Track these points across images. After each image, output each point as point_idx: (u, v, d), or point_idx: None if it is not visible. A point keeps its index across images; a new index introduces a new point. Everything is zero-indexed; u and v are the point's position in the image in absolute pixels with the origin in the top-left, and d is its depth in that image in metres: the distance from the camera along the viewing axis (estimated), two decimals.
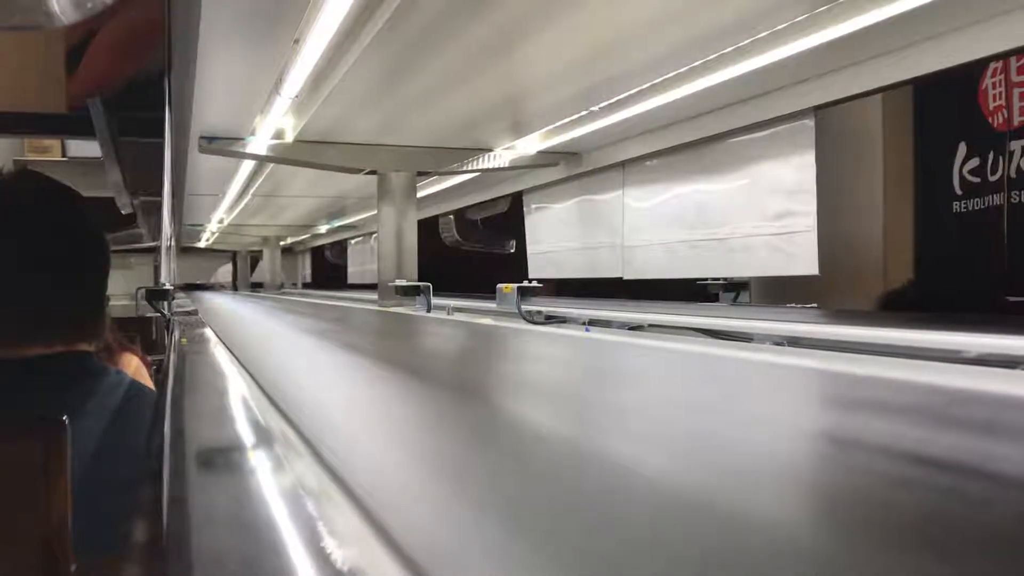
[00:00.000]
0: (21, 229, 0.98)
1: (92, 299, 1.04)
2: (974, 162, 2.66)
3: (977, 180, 2.64)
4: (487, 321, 1.89)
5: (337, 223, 5.79)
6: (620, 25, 1.71)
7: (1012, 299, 2.31)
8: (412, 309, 2.42)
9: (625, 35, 1.76)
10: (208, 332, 1.32)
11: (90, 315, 1.03)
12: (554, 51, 1.89)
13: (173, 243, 6.08)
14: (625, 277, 2.92)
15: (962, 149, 2.69)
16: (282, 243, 7.20)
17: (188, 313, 2.21)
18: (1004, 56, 1.61)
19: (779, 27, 1.67)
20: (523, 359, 1.12)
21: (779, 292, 2.75)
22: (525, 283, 2.24)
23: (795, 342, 1.34)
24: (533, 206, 3.76)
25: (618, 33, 1.75)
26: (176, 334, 1.33)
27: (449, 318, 2.07)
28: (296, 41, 1.79)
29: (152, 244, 5.93)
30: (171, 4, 1.53)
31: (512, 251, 4.91)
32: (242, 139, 2.70)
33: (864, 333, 1.20)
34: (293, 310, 2.51)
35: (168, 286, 2.35)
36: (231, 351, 0.97)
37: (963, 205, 2.69)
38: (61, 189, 1.05)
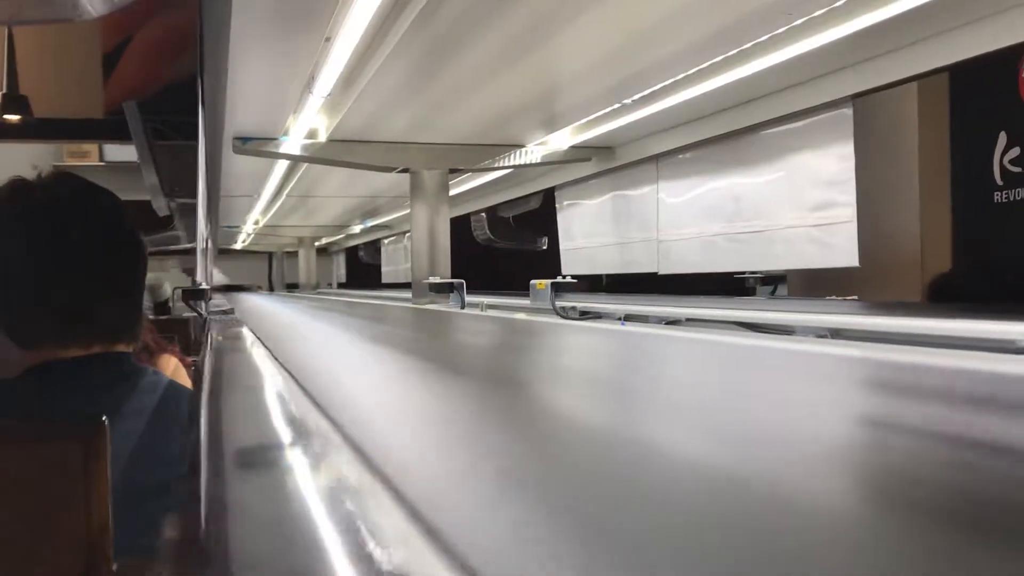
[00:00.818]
0: (60, 231, 0.99)
1: (129, 301, 1.05)
2: (1015, 151, 2.60)
3: (1018, 169, 2.59)
4: (522, 316, 1.88)
5: (371, 223, 5.82)
6: (652, 15, 1.68)
7: None
8: (446, 306, 2.41)
9: (658, 25, 1.73)
10: (246, 333, 1.32)
11: (127, 316, 1.03)
12: (585, 44, 1.88)
13: (209, 244, 6.14)
14: (660, 272, 2.89)
15: (1002, 139, 2.63)
16: (316, 244, 7.26)
17: (224, 312, 2.22)
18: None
19: (816, 13, 1.64)
20: (575, 353, 1.11)
21: (816, 284, 2.71)
22: (559, 279, 2.22)
23: (839, 334, 1.31)
24: (565, 202, 3.74)
25: (650, 23, 1.73)
26: (213, 335, 1.34)
27: (485, 314, 2.06)
28: (327, 39, 1.79)
29: (189, 246, 6.00)
30: (203, 7, 1.53)
31: (544, 248, 4.89)
32: (275, 139, 2.71)
33: (915, 324, 1.16)
34: (334, 309, 2.51)
35: (205, 286, 2.37)
36: (282, 364, 0.97)
37: (1004, 195, 2.63)
38: (98, 191, 1.06)
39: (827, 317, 1.35)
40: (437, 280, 2.61)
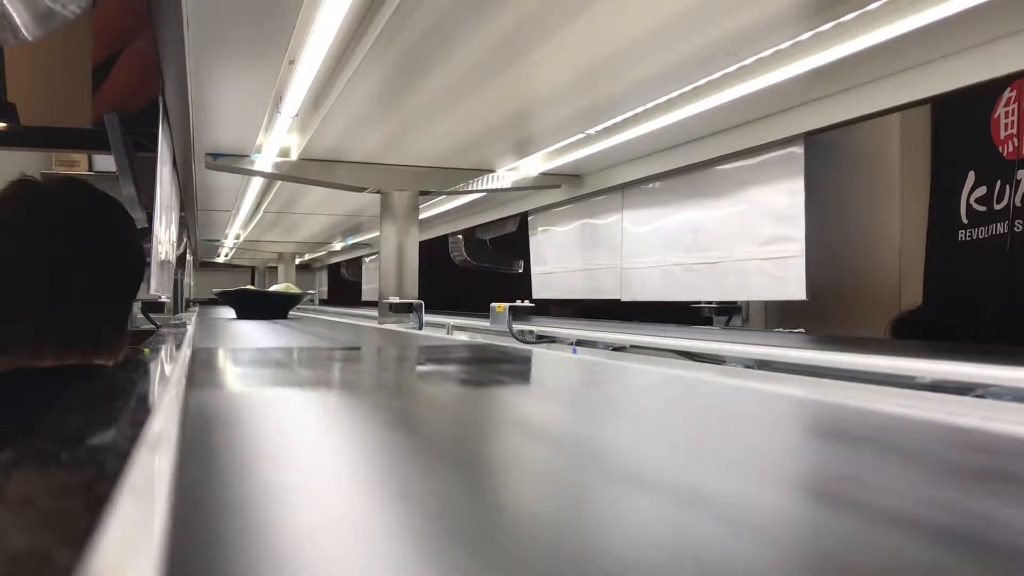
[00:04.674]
0: (59, 235, 0.97)
1: (116, 314, 1.03)
2: (981, 190, 2.66)
3: (983, 209, 2.64)
4: (463, 338, 1.90)
5: (351, 241, 5.85)
6: (617, 43, 1.72)
7: None
8: (405, 326, 2.44)
9: (622, 55, 1.77)
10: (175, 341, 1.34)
11: (111, 330, 1.01)
12: (552, 71, 1.92)
13: (190, 257, 6.15)
14: (623, 299, 2.93)
15: (971, 178, 2.69)
16: (298, 260, 7.28)
17: (178, 325, 2.25)
18: (983, 86, 1.61)
19: (763, 54, 1.69)
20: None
21: (789, 317, 2.75)
22: (517, 303, 2.25)
23: (764, 365, 1.34)
24: (539, 228, 3.79)
25: (614, 52, 1.76)
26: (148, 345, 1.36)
27: (430, 334, 2.09)
28: (291, 61, 1.83)
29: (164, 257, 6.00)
30: (156, 23, 1.57)
31: (521, 271, 4.93)
32: (247, 156, 2.75)
33: (838, 359, 1.20)
34: (285, 324, 2.53)
35: (164, 299, 2.39)
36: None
37: (968, 234, 2.69)
38: (105, 200, 1.04)
39: (756, 349, 1.39)
40: (396, 300, 2.64)
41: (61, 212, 1.00)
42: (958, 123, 2.71)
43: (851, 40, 1.58)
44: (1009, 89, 2.56)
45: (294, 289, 3.48)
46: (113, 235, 1.04)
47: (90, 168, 6.71)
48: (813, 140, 2.11)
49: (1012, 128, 2.56)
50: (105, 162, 6.35)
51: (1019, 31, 1.50)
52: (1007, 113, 2.57)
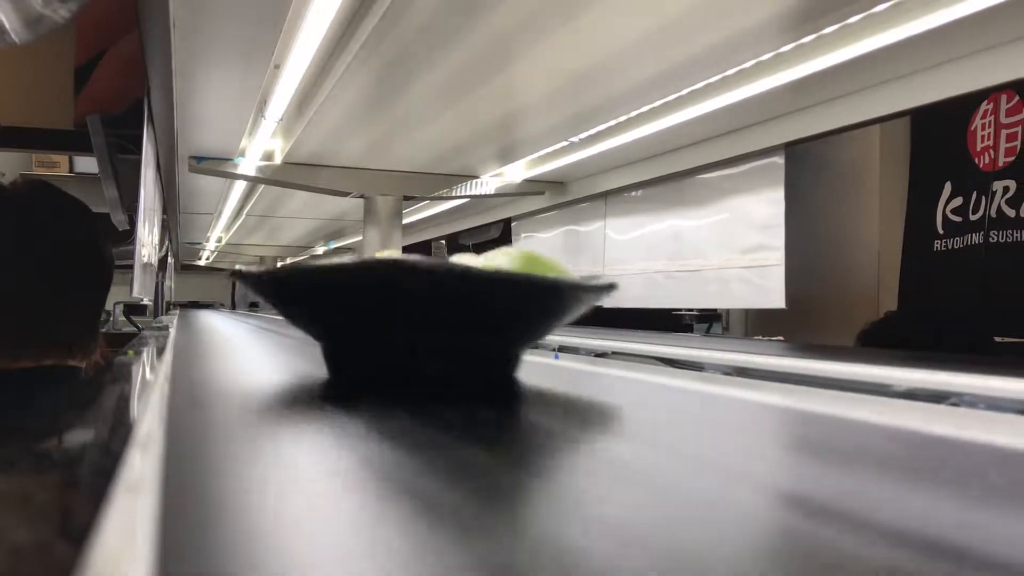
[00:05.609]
0: (23, 237, 0.99)
1: (88, 315, 1.05)
2: (957, 201, 2.70)
3: (959, 219, 2.69)
4: None
5: (334, 245, 5.84)
6: (601, 54, 1.74)
7: (999, 339, 2.33)
8: None
9: (606, 64, 1.79)
10: (151, 344, 1.35)
11: (84, 331, 1.03)
12: (537, 79, 1.93)
13: (171, 260, 6.12)
14: (605, 306, 2.94)
15: (947, 188, 2.74)
16: (280, 264, 7.25)
17: (160, 328, 2.24)
18: (961, 98, 1.64)
19: (745, 64, 1.71)
20: None
21: (768, 325, 2.78)
22: None
23: (743, 372, 1.36)
24: (522, 234, 3.80)
25: (598, 62, 1.78)
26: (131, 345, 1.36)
27: None
28: (277, 66, 1.83)
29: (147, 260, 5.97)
30: (142, 27, 1.57)
31: None
32: (231, 160, 2.74)
33: (810, 366, 1.22)
34: (252, 324, 2.52)
35: (146, 301, 2.38)
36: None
37: (943, 244, 2.73)
38: (70, 202, 1.06)
39: (734, 356, 1.40)
40: None
41: (28, 215, 1.01)
42: (936, 135, 2.75)
43: (832, 52, 1.60)
44: (986, 102, 2.61)
45: (552, 266, 0.64)
46: (82, 237, 1.06)
47: (71, 170, 6.67)
48: (793, 150, 2.14)
49: (988, 140, 2.61)
50: (86, 164, 6.31)
51: (997, 45, 1.53)
52: (983, 125, 2.62)
